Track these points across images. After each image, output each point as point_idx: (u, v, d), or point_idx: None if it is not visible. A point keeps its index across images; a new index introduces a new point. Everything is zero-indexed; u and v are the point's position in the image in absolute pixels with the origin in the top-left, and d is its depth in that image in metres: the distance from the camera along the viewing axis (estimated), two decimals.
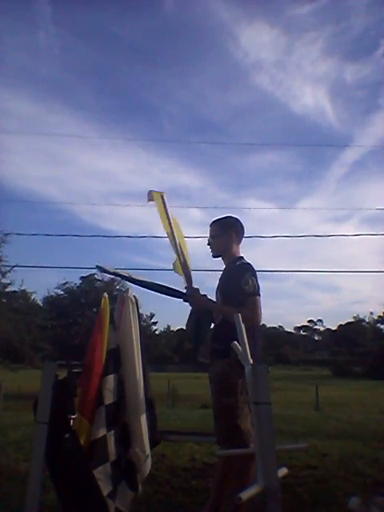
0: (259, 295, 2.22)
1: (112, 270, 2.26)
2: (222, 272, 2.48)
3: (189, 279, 2.36)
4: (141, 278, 2.28)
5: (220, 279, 2.45)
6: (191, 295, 2.33)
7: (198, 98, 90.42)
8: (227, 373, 2.14)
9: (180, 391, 16.16)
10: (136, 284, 2.27)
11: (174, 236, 2.34)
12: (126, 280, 2.33)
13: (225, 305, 2.30)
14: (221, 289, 2.38)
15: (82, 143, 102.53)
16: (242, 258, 2.41)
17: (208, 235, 2.52)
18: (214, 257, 2.49)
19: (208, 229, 2.53)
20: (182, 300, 2.36)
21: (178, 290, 2.35)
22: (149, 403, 2.00)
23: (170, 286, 2.31)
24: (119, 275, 2.34)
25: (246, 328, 1.83)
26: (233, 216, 2.51)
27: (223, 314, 2.26)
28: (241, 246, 2.48)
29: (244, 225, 2.49)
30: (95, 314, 2.46)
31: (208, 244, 2.51)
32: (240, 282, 2.21)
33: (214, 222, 2.51)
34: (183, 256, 2.38)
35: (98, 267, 2.23)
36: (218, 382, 2.21)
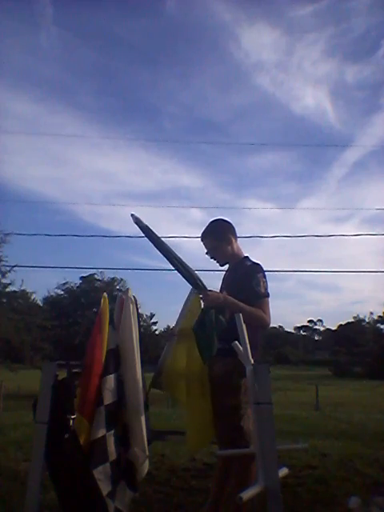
0: (269, 297, 2.20)
1: (144, 224, 2.12)
2: (226, 272, 2.45)
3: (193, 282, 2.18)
4: (168, 249, 2.15)
5: (225, 279, 2.41)
6: (211, 290, 2.15)
7: (199, 99, 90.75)
8: (230, 373, 2.12)
9: None
10: (158, 249, 2.15)
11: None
12: (152, 242, 2.16)
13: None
14: (228, 289, 2.29)
15: (83, 143, 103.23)
16: (247, 257, 2.37)
17: (205, 248, 2.42)
18: (222, 265, 2.43)
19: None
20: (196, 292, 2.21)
21: (198, 281, 2.16)
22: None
23: (194, 273, 2.16)
24: (148, 232, 2.15)
25: (256, 329, 1.81)
26: (218, 218, 2.46)
27: (246, 315, 2.01)
28: (240, 244, 2.47)
29: (232, 223, 2.44)
30: (95, 314, 2.44)
31: (211, 257, 2.41)
32: (251, 283, 2.17)
33: (206, 234, 2.42)
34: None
35: (132, 216, 2.11)
36: (221, 382, 2.17)
